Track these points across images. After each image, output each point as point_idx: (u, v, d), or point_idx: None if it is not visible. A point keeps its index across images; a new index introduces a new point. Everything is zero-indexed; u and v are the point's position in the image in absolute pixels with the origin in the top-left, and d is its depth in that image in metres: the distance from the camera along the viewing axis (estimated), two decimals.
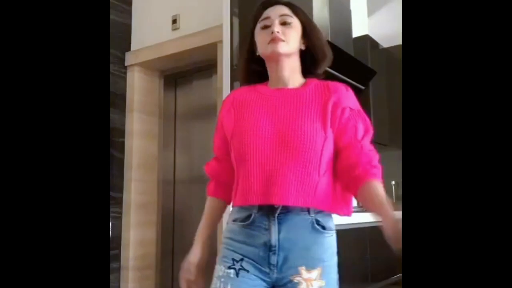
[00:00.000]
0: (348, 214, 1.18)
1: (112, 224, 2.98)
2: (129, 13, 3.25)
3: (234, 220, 1.16)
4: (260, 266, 1.09)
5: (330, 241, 1.13)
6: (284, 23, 1.17)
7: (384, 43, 3.68)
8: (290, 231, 1.09)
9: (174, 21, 2.96)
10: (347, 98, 1.17)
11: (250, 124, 1.14)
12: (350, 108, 1.15)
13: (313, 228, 1.10)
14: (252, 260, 1.10)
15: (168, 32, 2.99)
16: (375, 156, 1.12)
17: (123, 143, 3.14)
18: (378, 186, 1.07)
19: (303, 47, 1.21)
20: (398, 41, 3.60)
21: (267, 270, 1.09)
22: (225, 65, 2.29)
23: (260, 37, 1.20)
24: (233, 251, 1.13)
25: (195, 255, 1.24)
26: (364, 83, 3.30)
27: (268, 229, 1.09)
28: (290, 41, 1.17)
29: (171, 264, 3.15)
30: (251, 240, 1.11)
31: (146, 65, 3.19)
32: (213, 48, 2.67)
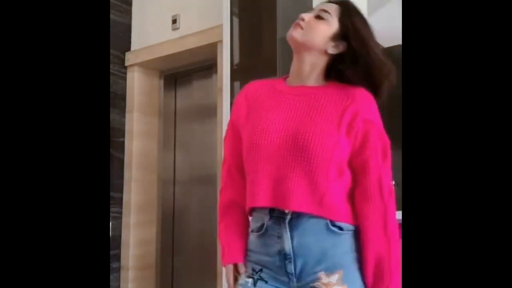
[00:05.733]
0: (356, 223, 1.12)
1: (112, 224, 2.98)
2: (129, 13, 3.24)
3: (251, 231, 1.13)
4: (278, 276, 1.06)
5: (348, 240, 1.07)
6: (318, 17, 1.11)
7: (384, 43, 3.68)
8: (303, 237, 1.04)
9: (174, 21, 2.96)
10: (369, 108, 1.11)
11: (262, 123, 1.09)
12: (371, 121, 1.09)
13: (328, 230, 1.04)
14: (270, 270, 1.07)
15: (168, 32, 2.99)
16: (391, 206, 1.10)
17: (123, 143, 3.14)
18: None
19: (333, 51, 1.12)
20: (398, 41, 3.60)
21: (285, 279, 1.05)
22: (225, 65, 2.29)
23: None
24: (253, 261, 1.10)
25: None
26: None
27: (280, 237, 1.05)
28: (310, 32, 1.10)
29: (171, 263, 3.15)
30: (266, 249, 1.07)
31: (146, 65, 3.19)
32: (213, 48, 2.67)
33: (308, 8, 2.81)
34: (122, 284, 3.00)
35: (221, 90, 2.37)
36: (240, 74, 2.26)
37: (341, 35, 1.11)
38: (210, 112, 2.90)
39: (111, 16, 3.07)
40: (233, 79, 2.27)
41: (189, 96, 3.30)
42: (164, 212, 3.22)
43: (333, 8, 1.12)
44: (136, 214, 3.07)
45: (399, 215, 2.96)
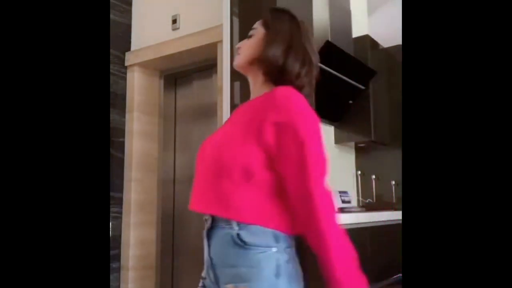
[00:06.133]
0: (284, 230, 1.05)
1: (112, 224, 2.98)
2: (129, 13, 3.25)
3: None
4: (210, 283, 1.10)
5: (260, 258, 1.01)
6: (248, 37, 1.21)
7: (384, 43, 3.68)
8: (216, 246, 1.06)
9: (174, 21, 2.97)
10: (283, 109, 1.03)
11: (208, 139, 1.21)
12: (283, 123, 1.01)
13: (235, 243, 1.02)
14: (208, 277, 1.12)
15: (168, 32, 2.99)
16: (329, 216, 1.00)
17: (123, 143, 3.14)
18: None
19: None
20: (398, 41, 3.60)
21: (214, 286, 1.08)
22: (225, 65, 2.29)
23: None
24: (204, 270, 1.16)
25: None
26: (364, 83, 3.30)
27: (205, 245, 1.11)
28: (244, 52, 1.19)
29: (171, 263, 3.15)
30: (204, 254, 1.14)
31: (146, 65, 3.19)
32: (213, 48, 2.67)
33: (308, 7, 2.81)
34: (122, 284, 3.00)
35: (221, 90, 2.37)
36: (240, 74, 2.26)
37: (268, 39, 1.17)
38: (210, 112, 2.91)
39: (111, 16, 3.08)
40: (233, 79, 2.27)
41: (189, 96, 3.30)
42: (164, 212, 3.22)
43: (258, 22, 1.21)
44: (136, 214, 3.07)
45: (398, 215, 2.93)
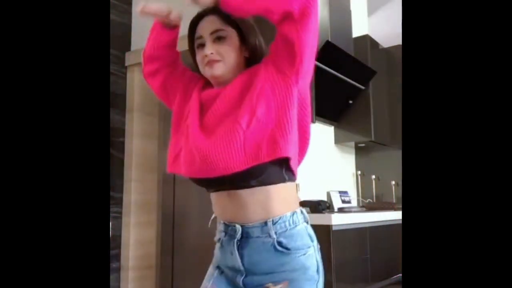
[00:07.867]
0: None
1: (112, 224, 2.98)
2: (129, 13, 3.25)
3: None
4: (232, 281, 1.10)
5: (302, 260, 1.03)
6: (218, 39, 1.11)
7: (384, 43, 3.68)
8: (253, 256, 1.04)
9: None
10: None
11: None
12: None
13: (276, 250, 1.02)
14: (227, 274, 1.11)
15: None
16: None
17: (123, 143, 3.14)
18: None
19: (247, 55, 1.14)
20: (398, 41, 3.60)
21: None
22: None
23: (198, 58, 1.17)
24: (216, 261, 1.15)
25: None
26: (364, 83, 3.30)
27: (232, 254, 1.07)
28: (227, 59, 1.10)
29: (171, 263, 3.15)
30: (224, 260, 1.11)
31: None
32: None
33: None
34: (122, 284, 3.00)
35: None
36: None
37: (242, 39, 1.13)
38: None
39: (111, 16, 3.08)
40: None
41: None
42: (164, 212, 3.22)
43: (218, 22, 1.13)
44: (136, 214, 3.07)
45: (398, 215, 2.93)
